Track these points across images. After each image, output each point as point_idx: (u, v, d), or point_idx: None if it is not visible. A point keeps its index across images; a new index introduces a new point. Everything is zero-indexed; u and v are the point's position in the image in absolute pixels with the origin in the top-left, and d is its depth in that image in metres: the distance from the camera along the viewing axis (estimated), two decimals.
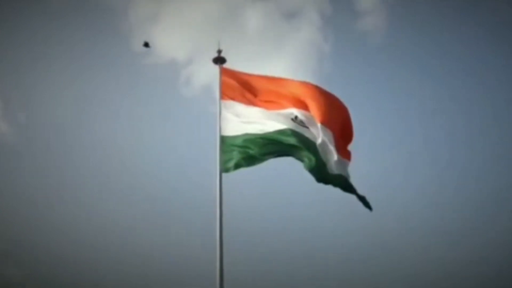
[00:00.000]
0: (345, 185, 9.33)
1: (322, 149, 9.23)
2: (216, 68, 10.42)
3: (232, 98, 10.10)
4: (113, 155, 21.42)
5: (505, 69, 24.03)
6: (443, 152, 22.74)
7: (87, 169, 21.04)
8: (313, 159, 9.17)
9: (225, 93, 10.11)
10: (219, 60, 10.41)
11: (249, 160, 9.36)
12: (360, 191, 9.33)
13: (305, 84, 10.11)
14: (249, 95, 10.18)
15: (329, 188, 9.33)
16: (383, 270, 18.19)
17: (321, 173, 9.20)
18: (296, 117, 9.67)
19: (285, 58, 24.17)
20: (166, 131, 22.45)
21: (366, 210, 9.34)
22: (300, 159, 9.36)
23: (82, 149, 21.76)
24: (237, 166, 9.29)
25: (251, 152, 9.38)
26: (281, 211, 18.84)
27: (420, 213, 20.13)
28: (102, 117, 23.01)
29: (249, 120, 9.83)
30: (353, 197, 9.37)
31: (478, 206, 20.55)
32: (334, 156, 9.17)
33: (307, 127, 9.55)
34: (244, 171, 9.38)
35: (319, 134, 9.28)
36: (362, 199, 9.33)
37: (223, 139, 9.54)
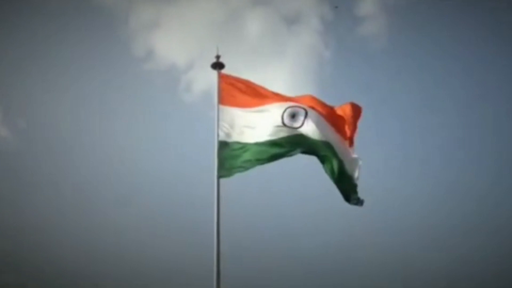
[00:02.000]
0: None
1: (349, 164, 9.41)
2: (215, 74, 10.40)
3: (231, 104, 10.10)
4: (113, 158, 21.59)
5: (505, 69, 24.14)
6: (443, 153, 22.89)
7: (87, 173, 21.21)
8: (335, 167, 9.30)
9: (224, 99, 10.10)
10: (218, 65, 10.37)
11: (253, 162, 9.43)
12: (361, 190, 9.48)
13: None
14: (249, 100, 10.16)
15: (327, 188, 9.50)
16: (383, 270, 18.30)
17: (345, 183, 9.36)
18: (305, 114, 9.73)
19: (285, 63, 24.28)
20: (165, 136, 22.60)
21: (365, 210, 9.55)
22: (320, 159, 9.47)
23: (82, 153, 21.93)
24: (236, 171, 9.40)
25: (255, 156, 9.46)
26: (279, 213, 18.98)
27: (419, 213, 20.29)
28: (102, 121, 23.17)
29: (251, 125, 9.86)
30: None
31: (477, 206, 20.70)
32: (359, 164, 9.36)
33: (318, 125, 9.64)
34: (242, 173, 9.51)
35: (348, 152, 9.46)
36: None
37: (222, 144, 9.59)
